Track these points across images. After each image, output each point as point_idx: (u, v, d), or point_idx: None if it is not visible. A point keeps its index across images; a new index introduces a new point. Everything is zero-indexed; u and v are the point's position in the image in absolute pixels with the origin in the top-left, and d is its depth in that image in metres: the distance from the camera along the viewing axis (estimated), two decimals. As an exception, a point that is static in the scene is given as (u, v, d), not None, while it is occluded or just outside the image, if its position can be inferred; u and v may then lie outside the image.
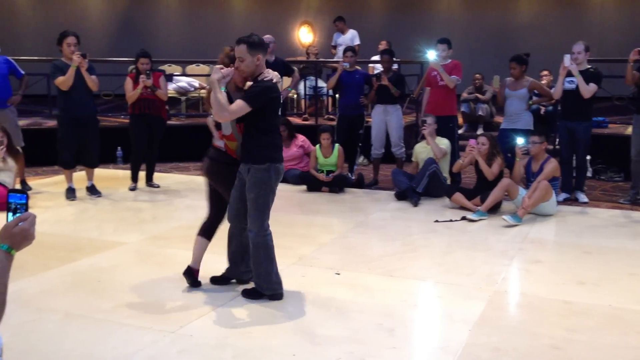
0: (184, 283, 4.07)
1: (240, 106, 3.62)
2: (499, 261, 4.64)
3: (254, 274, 3.87)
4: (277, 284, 3.85)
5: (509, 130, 6.69)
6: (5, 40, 13.03)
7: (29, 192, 6.48)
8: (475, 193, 6.20)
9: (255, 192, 3.71)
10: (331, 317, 3.60)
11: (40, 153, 7.85)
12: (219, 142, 3.97)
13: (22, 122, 8.66)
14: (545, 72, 9.37)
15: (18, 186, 6.75)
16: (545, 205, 5.88)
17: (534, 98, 8.23)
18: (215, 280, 4.09)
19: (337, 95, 8.98)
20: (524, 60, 6.77)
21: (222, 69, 3.68)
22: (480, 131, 9.44)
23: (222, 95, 3.60)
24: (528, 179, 6.16)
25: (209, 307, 3.67)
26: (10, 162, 6.35)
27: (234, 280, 4.09)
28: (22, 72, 6.93)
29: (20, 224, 1.86)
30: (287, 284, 4.07)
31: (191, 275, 4.02)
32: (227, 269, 4.10)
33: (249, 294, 3.85)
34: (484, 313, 3.65)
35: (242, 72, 3.75)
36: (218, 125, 3.90)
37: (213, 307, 3.67)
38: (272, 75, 3.77)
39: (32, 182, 7.29)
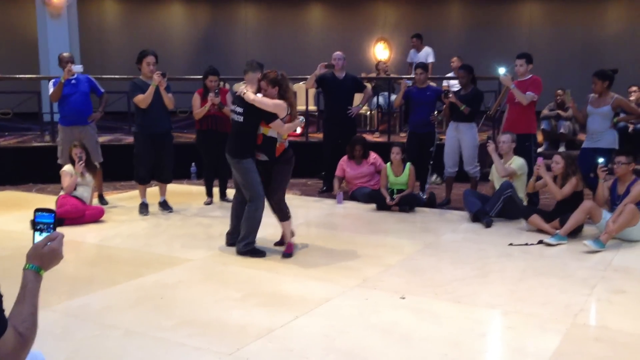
0: (245, 301, 4.04)
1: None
2: (578, 290, 4.32)
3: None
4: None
5: (590, 149, 6.32)
6: (94, 58, 13.73)
7: (104, 207, 6.75)
8: (554, 215, 5.86)
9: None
10: (393, 344, 3.44)
11: (119, 168, 8.09)
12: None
13: (104, 138, 9.04)
14: (634, 88, 8.85)
15: (96, 200, 6.98)
16: (631, 230, 5.47)
17: (621, 115, 7.74)
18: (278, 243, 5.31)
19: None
20: (606, 76, 6.38)
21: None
22: (561, 149, 9.01)
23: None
24: (613, 202, 5.75)
25: (267, 328, 3.59)
26: (89, 177, 6.57)
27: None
28: (102, 90, 7.18)
29: (49, 243, 1.85)
30: (349, 307, 3.97)
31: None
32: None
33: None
34: (559, 348, 3.38)
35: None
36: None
37: (271, 329, 3.59)
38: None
39: (110, 196, 7.52)
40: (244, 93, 4.98)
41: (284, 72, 5.13)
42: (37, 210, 1.90)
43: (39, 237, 1.87)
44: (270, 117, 4.98)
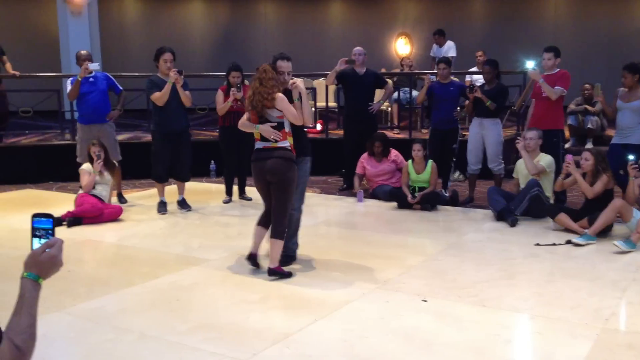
0: (262, 304, 3.95)
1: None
2: (609, 293, 4.14)
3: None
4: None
5: (620, 145, 6.10)
6: (115, 56, 13.75)
7: (123, 205, 6.70)
8: (583, 214, 5.67)
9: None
10: (415, 350, 3.31)
11: (139, 166, 8.04)
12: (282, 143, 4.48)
13: (123, 136, 9.02)
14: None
15: (115, 199, 6.95)
16: (664, 230, 5.26)
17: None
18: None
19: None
20: (637, 69, 6.16)
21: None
22: (589, 145, 8.75)
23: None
24: (644, 200, 5.55)
25: (284, 333, 3.49)
26: (107, 176, 6.53)
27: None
28: (120, 88, 7.13)
29: (47, 250, 1.74)
30: (369, 310, 3.86)
31: (252, 259, 4.62)
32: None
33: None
34: (590, 355, 3.22)
35: (285, 83, 4.56)
36: (279, 126, 4.46)
37: (288, 334, 3.48)
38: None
39: (128, 194, 7.48)
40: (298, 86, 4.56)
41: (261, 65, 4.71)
42: (34, 215, 1.79)
43: (37, 244, 1.77)
44: None
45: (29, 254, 1.74)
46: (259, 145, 4.55)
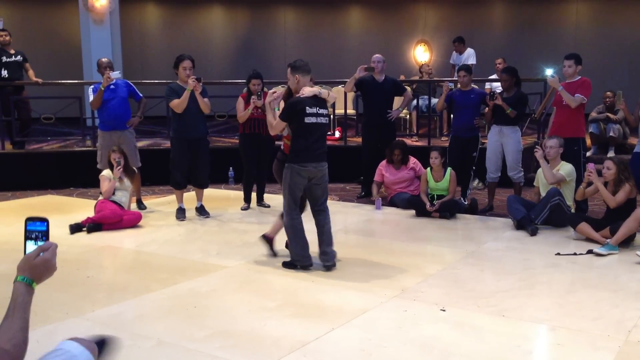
0: (279, 312, 3.93)
1: (277, 120, 4.84)
2: (631, 304, 4.07)
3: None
4: (303, 256, 4.84)
5: (644, 154, 6.00)
6: (136, 63, 13.90)
7: (142, 211, 6.75)
8: (605, 223, 5.58)
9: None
10: (433, 360, 3.28)
11: (158, 172, 8.11)
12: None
13: (143, 143, 9.10)
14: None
15: (134, 205, 7.00)
16: (688, 240, 5.17)
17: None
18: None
19: (451, 116, 8.61)
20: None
21: (274, 92, 4.91)
22: (611, 154, 8.64)
23: (271, 115, 4.87)
24: (668, 210, 5.45)
25: (301, 341, 3.47)
26: (127, 182, 6.58)
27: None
28: (141, 95, 7.20)
29: (41, 254, 1.73)
30: (387, 319, 3.82)
31: (267, 240, 5.21)
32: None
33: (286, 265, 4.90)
34: (612, 368, 3.17)
35: (293, 89, 4.90)
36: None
37: (305, 342, 3.46)
38: (307, 92, 4.76)
39: (148, 201, 7.53)
40: (328, 94, 4.87)
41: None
42: (28, 219, 1.78)
43: (31, 247, 1.75)
44: None
45: (23, 257, 1.73)
46: None
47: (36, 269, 1.72)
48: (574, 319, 3.83)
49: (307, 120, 4.72)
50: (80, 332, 3.61)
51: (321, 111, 4.81)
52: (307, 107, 4.73)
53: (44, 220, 1.78)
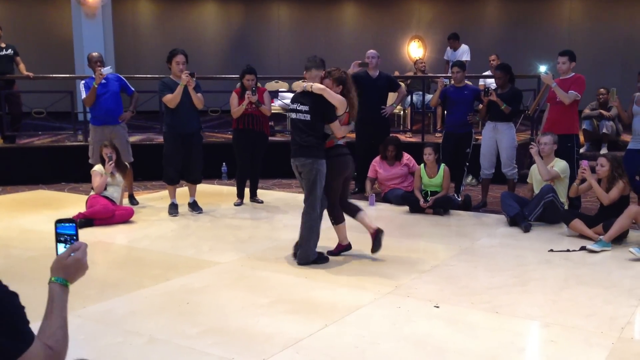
0: (272, 308, 3.91)
1: None
2: (624, 301, 4.07)
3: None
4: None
5: (636, 151, 6.02)
6: (128, 58, 13.81)
7: (134, 207, 6.70)
8: (598, 220, 5.58)
9: None
10: (426, 357, 3.26)
11: (150, 168, 8.06)
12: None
13: (135, 138, 9.04)
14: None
15: (126, 200, 6.95)
16: (681, 237, 5.18)
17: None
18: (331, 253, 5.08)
19: (445, 112, 8.60)
20: (655, 73, 6.08)
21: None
22: (603, 151, 8.66)
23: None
24: (660, 207, 5.46)
25: (294, 338, 3.45)
26: (119, 177, 6.53)
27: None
28: (133, 89, 7.14)
29: (72, 254, 1.81)
30: (381, 316, 3.81)
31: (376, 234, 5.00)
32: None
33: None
34: (605, 364, 3.16)
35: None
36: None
37: (298, 339, 3.45)
38: (299, 88, 4.94)
39: (140, 196, 7.49)
40: (310, 86, 4.79)
41: (347, 71, 5.09)
42: (58, 221, 1.86)
43: (62, 249, 1.84)
44: (332, 116, 4.81)
45: (55, 259, 1.81)
46: (340, 142, 5.03)
47: (69, 269, 1.80)
48: (568, 315, 3.83)
49: (290, 115, 4.95)
50: (72, 329, 3.58)
51: (300, 107, 4.84)
52: (291, 103, 4.94)
53: (73, 222, 1.86)
